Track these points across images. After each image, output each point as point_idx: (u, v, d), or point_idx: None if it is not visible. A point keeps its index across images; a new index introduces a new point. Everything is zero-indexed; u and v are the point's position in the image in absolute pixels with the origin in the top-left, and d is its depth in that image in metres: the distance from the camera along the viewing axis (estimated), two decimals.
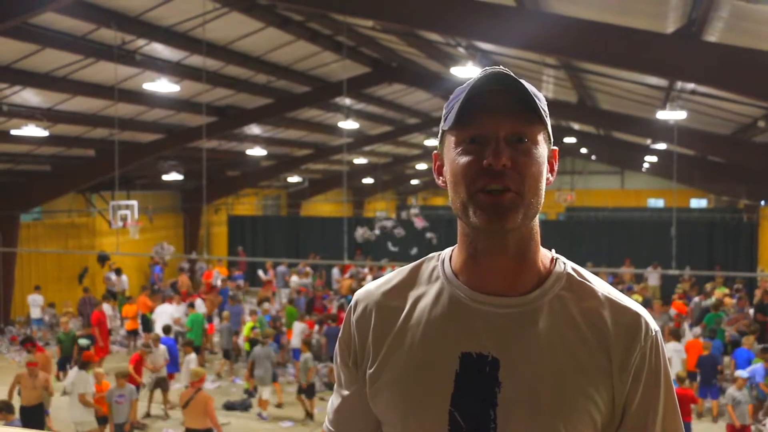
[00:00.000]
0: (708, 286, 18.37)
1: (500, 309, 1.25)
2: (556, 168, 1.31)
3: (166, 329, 13.21)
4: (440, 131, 1.31)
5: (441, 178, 1.31)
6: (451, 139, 1.26)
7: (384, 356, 1.30)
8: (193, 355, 12.12)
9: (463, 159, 1.22)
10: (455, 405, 1.23)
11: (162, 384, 12.06)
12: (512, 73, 1.21)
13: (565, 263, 1.32)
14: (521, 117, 1.21)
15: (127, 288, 19.36)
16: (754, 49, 7.74)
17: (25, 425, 9.98)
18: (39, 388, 10.33)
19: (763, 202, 25.66)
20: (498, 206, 1.19)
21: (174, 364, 12.78)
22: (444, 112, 1.28)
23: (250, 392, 12.80)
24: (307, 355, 11.95)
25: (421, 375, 1.26)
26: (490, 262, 1.26)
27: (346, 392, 1.39)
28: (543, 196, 1.24)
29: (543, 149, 1.24)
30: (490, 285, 1.26)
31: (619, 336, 1.22)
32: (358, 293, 1.40)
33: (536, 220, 1.27)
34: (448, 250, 1.37)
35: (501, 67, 1.24)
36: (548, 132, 1.27)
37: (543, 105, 1.24)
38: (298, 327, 14.00)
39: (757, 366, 11.22)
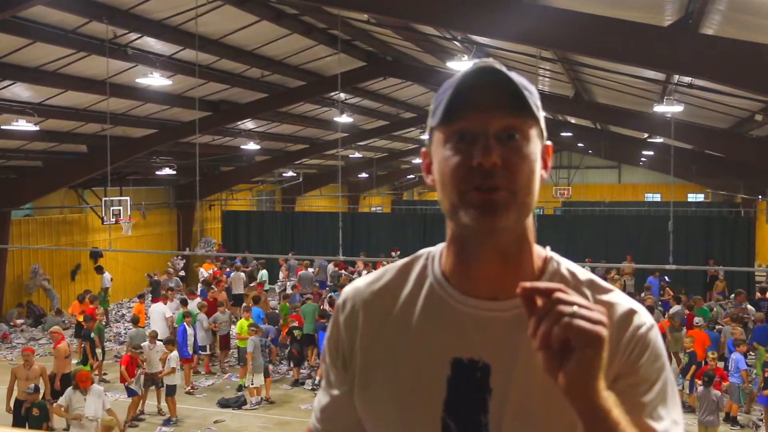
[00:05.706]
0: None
1: (491, 313, 1.21)
2: (549, 164, 1.26)
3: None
4: (428, 128, 1.25)
5: (430, 176, 1.25)
6: (439, 137, 1.21)
7: (373, 361, 1.27)
8: (174, 353, 11.97)
9: (452, 158, 1.17)
10: (447, 411, 1.20)
11: (155, 382, 11.96)
12: (503, 66, 1.16)
13: (558, 262, 1.28)
14: (511, 112, 1.16)
15: (109, 285, 19.20)
16: (752, 42, 7.66)
17: (17, 417, 9.97)
18: (32, 380, 10.31)
19: (760, 197, 25.68)
20: (490, 204, 1.13)
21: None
22: (432, 107, 1.22)
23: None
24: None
25: (412, 382, 1.22)
26: (480, 264, 1.21)
27: (335, 392, 1.36)
28: (537, 195, 1.19)
29: (535, 145, 1.19)
30: (481, 288, 1.22)
31: (612, 334, 1.14)
32: (346, 290, 1.36)
33: (530, 220, 1.22)
34: (437, 248, 1.32)
35: (491, 59, 1.18)
36: (541, 127, 1.21)
37: (535, 99, 1.19)
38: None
39: (738, 355, 11.30)
